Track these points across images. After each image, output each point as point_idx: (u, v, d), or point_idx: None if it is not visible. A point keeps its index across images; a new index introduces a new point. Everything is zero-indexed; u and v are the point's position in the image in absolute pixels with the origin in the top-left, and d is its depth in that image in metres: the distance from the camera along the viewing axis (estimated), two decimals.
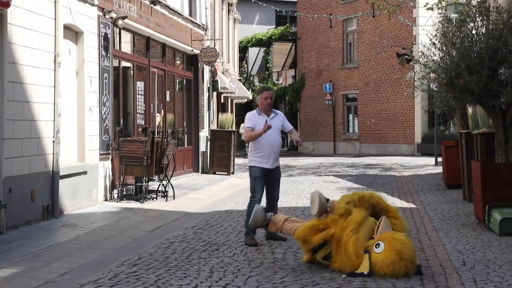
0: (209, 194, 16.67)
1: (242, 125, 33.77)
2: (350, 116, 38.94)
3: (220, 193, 16.99)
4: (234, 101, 34.70)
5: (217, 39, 23.62)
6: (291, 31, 43.32)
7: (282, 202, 14.30)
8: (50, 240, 9.96)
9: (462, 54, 10.23)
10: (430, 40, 11.09)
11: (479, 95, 10.34)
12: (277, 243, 9.41)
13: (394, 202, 14.28)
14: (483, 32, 10.31)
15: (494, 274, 7.22)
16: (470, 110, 13.56)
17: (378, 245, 7.34)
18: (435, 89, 11.34)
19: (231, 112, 33.60)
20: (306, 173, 23.22)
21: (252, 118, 9.63)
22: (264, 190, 9.71)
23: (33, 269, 8.08)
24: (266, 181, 9.57)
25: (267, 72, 45.56)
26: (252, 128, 9.52)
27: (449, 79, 10.49)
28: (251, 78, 47.29)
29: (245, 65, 47.38)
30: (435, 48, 10.89)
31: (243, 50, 47.33)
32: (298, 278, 7.34)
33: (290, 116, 42.19)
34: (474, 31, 10.40)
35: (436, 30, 10.98)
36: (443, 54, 10.72)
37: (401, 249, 7.27)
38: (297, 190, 16.89)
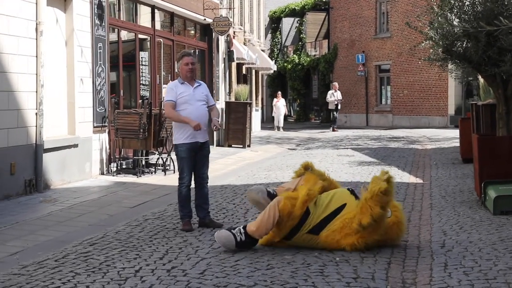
0: (214, 168, 15.99)
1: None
2: (383, 87, 37.99)
3: (227, 166, 16.44)
4: (260, 72, 33.94)
5: (231, 8, 22.82)
6: (324, 0, 42.33)
7: (277, 177, 13.74)
8: (20, 216, 9.53)
9: (460, 18, 9.46)
10: (429, 4, 10.34)
11: (477, 63, 9.57)
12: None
13: (402, 177, 13.61)
14: None
15: (469, 258, 6.53)
16: (481, 79, 12.75)
17: None
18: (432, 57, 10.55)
19: (256, 83, 32.87)
20: (325, 146, 22.50)
21: (174, 89, 8.51)
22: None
23: None
24: (194, 159, 8.55)
25: (300, 43, 44.64)
26: (173, 102, 8.43)
27: (446, 46, 9.75)
28: (285, 49, 46.42)
29: (279, 36, 46.57)
30: (433, 13, 10.13)
31: (277, 21, 46.53)
32: (254, 261, 6.73)
33: (323, 87, 41.33)
34: None
35: None
36: (441, 19, 9.94)
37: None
38: None
